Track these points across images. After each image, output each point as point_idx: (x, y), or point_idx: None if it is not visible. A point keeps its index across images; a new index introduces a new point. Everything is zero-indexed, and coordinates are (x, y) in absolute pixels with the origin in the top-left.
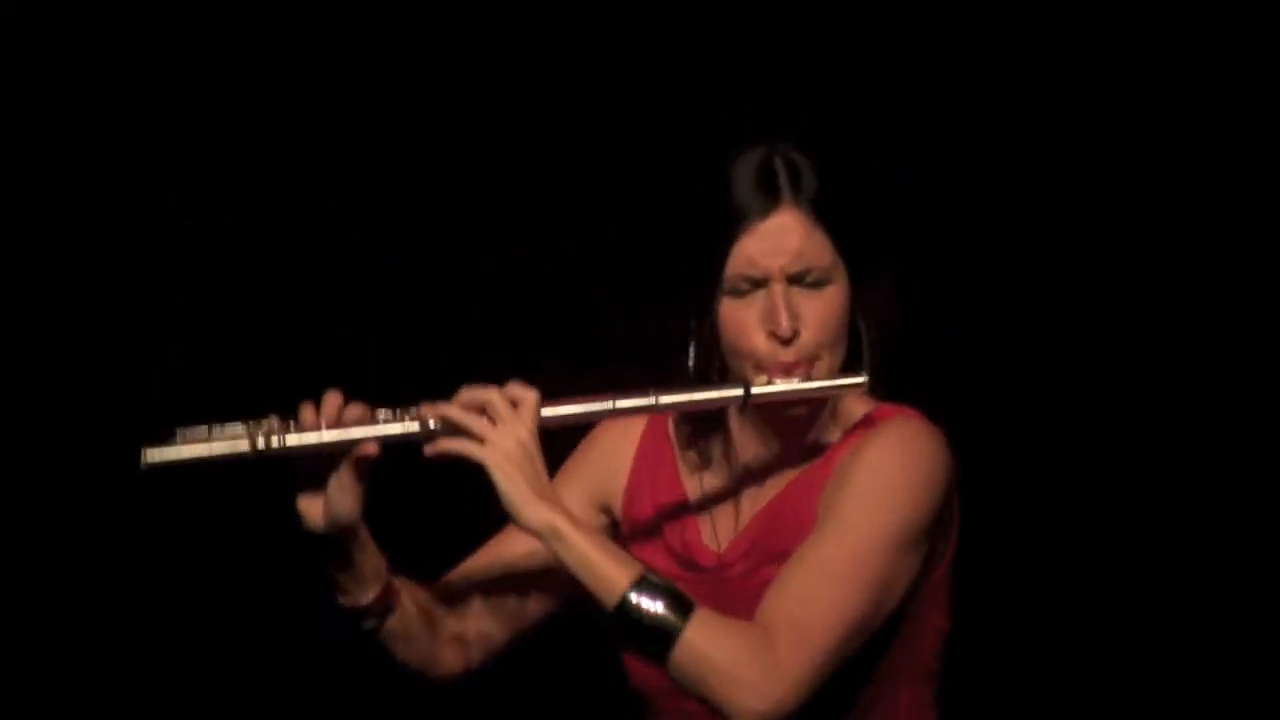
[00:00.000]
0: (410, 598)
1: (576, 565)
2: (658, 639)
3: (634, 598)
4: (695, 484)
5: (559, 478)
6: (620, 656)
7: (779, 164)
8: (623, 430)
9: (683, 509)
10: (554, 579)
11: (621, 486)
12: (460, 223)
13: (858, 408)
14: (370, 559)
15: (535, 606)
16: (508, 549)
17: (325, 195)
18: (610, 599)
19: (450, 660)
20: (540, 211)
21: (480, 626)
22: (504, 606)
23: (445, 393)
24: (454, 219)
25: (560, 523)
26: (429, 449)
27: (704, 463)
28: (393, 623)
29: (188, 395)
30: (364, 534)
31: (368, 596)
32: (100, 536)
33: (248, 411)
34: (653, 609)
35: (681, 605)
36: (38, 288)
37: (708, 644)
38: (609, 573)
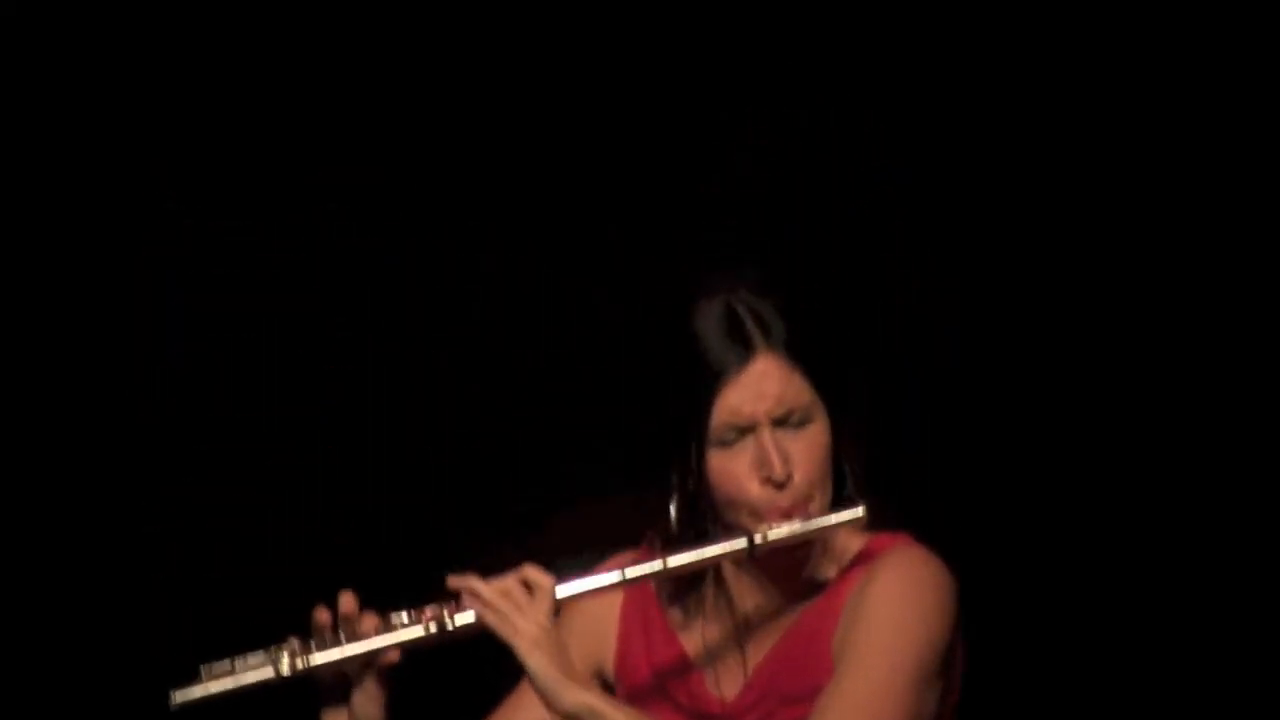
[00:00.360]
0: None
1: None
2: None
3: None
4: (690, 637)
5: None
6: None
7: (743, 312)
8: (603, 599)
9: (682, 663)
10: None
11: (611, 651)
12: (460, 241)
13: (852, 542)
14: None
15: None
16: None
17: (324, 195)
18: None
19: None
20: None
21: None
22: None
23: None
24: (456, 241)
25: (596, 702)
26: (458, 584)
27: (696, 614)
28: None
29: (188, 398)
30: None
31: None
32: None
33: (250, 418)
34: None
35: None
36: (37, 288)
37: None
38: None
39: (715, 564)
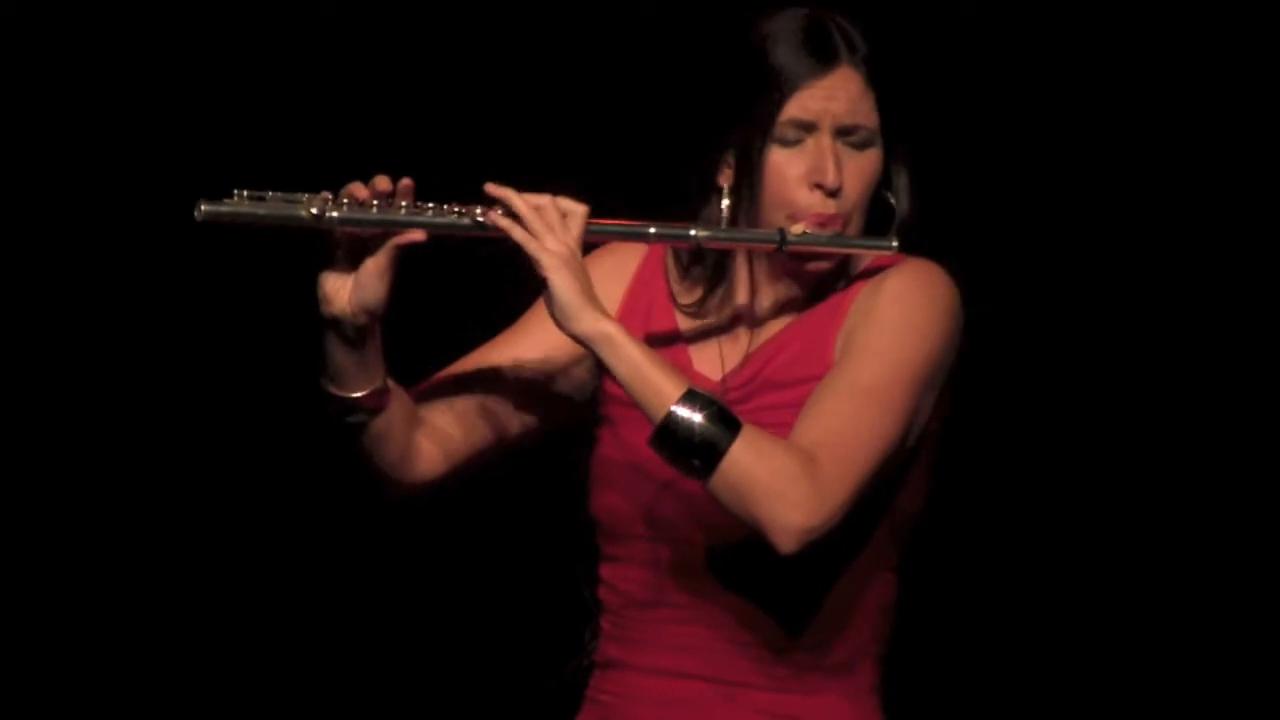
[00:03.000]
0: (399, 399)
1: (628, 373)
2: (705, 453)
3: (683, 411)
4: (689, 320)
5: (543, 314)
6: (589, 500)
7: (831, 25)
8: (616, 268)
9: (675, 339)
10: (539, 400)
11: (614, 314)
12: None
13: (866, 259)
14: (376, 353)
15: (520, 420)
16: (495, 360)
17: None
18: (658, 410)
19: (424, 465)
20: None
21: (458, 434)
22: (482, 418)
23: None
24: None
25: (614, 330)
26: (492, 196)
27: (701, 302)
28: (379, 422)
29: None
30: (378, 326)
31: (364, 390)
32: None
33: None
34: (701, 422)
35: (729, 420)
36: None
37: (754, 459)
38: (660, 383)
39: (743, 253)
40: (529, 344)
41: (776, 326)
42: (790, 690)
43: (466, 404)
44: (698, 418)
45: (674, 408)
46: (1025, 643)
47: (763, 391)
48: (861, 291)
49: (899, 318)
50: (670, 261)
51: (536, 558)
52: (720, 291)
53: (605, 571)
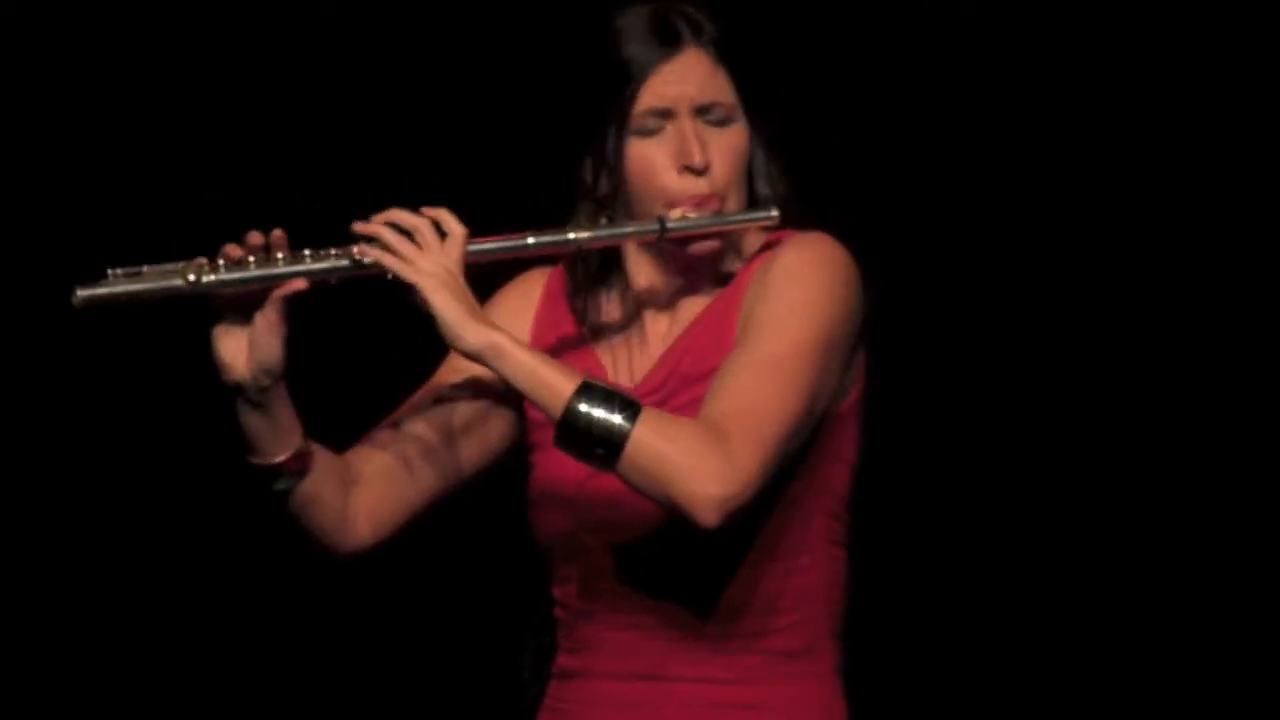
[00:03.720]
0: (323, 460)
1: (521, 378)
2: (608, 441)
3: (580, 404)
4: (594, 330)
5: (456, 357)
6: (530, 520)
7: (674, 13)
8: (519, 302)
9: (585, 352)
10: (469, 442)
11: None
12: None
13: (756, 239)
14: (287, 414)
15: (458, 462)
16: (422, 408)
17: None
18: (556, 407)
19: (361, 528)
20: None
21: (393, 490)
22: (417, 467)
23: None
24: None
25: (501, 339)
26: (363, 249)
27: (605, 313)
28: (306, 485)
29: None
30: (283, 387)
31: (284, 454)
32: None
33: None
34: (600, 412)
35: (628, 405)
36: None
37: (660, 439)
38: (554, 382)
39: (624, 245)
40: (455, 383)
41: (683, 322)
42: (749, 681)
43: (398, 461)
44: (595, 409)
45: (570, 401)
46: (995, 627)
47: (679, 390)
48: (756, 270)
49: (793, 290)
50: (567, 279)
51: (490, 577)
52: (617, 295)
53: (556, 590)
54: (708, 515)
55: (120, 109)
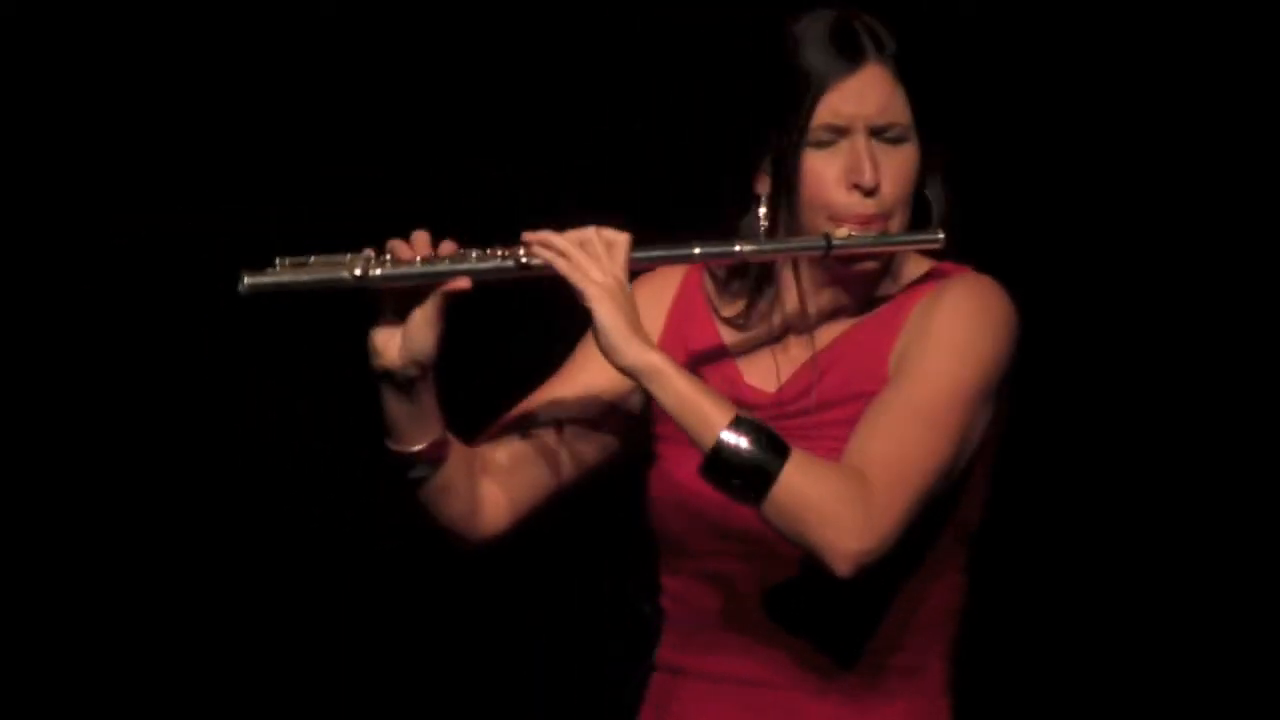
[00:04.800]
0: (457, 450)
1: (675, 404)
2: (755, 478)
3: (731, 438)
4: (735, 334)
5: (593, 347)
6: (647, 509)
7: (857, 24)
8: (655, 294)
9: (723, 355)
10: (598, 433)
11: (655, 339)
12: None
13: (918, 266)
14: (431, 405)
15: (581, 458)
16: (551, 399)
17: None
18: (707, 439)
19: (491, 515)
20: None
21: (521, 480)
22: (545, 458)
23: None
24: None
25: (659, 361)
26: (533, 250)
27: (746, 314)
28: (441, 475)
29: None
30: (430, 378)
31: (422, 443)
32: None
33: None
34: (751, 448)
35: (778, 446)
36: None
37: (806, 483)
38: (707, 412)
39: (787, 260)
40: (582, 381)
41: (829, 336)
42: (858, 698)
43: (527, 450)
44: (746, 444)
45: (722, 435)
46: (1023, 641)
47: (819, 408)
48: (916, 307)
49: (954, 337)
50: (707, 278)
51: (583, 566)
52: (765, 302)
53: (667, 581)
54: (842, 567)
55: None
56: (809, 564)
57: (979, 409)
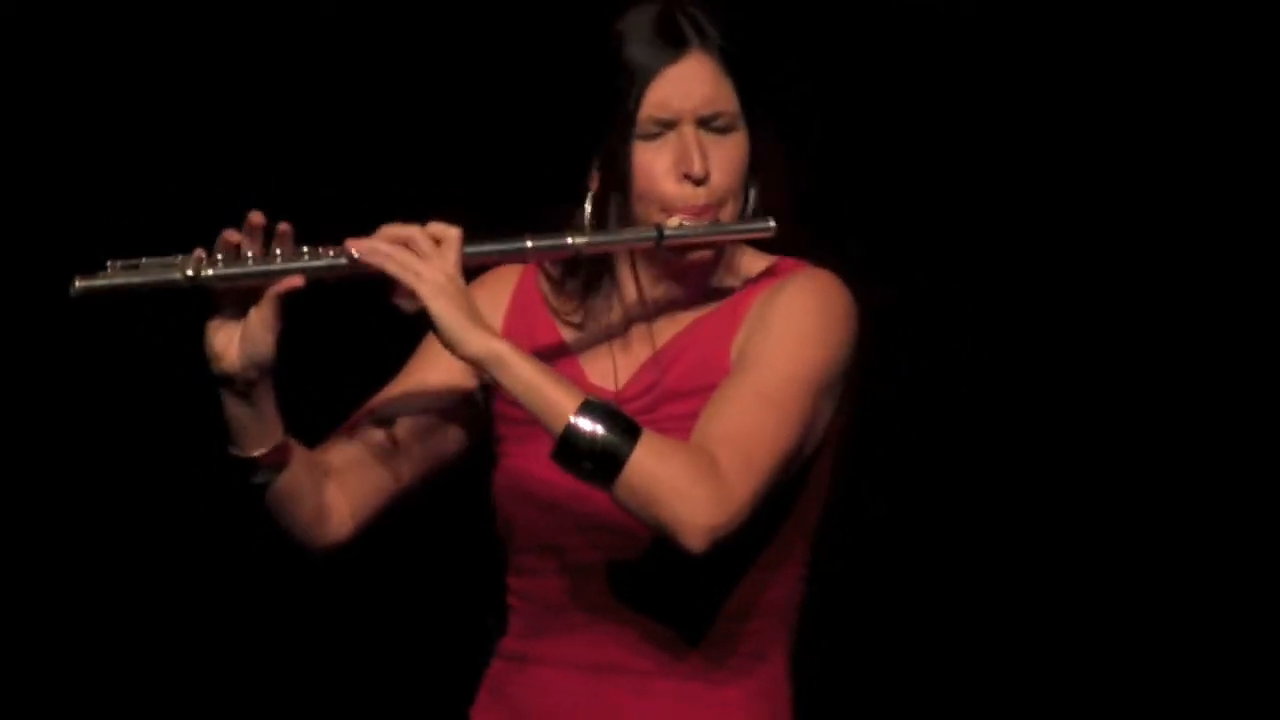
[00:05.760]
0: (300, 455)
1: (523, 390)
2: (606, 461)
3: (581, 422)
4: (573, 333)
5: (433, 347)
6: (494, 505)
7: (680, 15)
8: (491, 297)
9: (565, 354)
10: (440, 433)
11: None
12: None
13: (757, 262)
14: (270, 409)
15: (428, 455)
16: (393, 401)
17: None
18: (557, 424)
19: (337, 521)
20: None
21: (361, 484)
22: (390, 459)
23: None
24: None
25: (504, 349)
26: (361, 253)
27: (583, 312)
28: (284, 480)
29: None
30: (269, 382)
31: (263, 448)
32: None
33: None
34: (601, 431)
35: (628, 428)
36: None
37: (657, 462)
38: (556, 397)
39: (625, 256)
40: (422, 380)
41: (670, 332)
42: (700, 679)
43: (366, 453)
44: (598, 428)
45: (572, 419)
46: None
47: (663, 403)
48: (756, 300)
49: (795, 326)
50: (543, 280)
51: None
52: (603, 299)
53: (513, 582)
54: (695, 542)
55: (117, 102)
56: (658, 547)
57: (821, 397)
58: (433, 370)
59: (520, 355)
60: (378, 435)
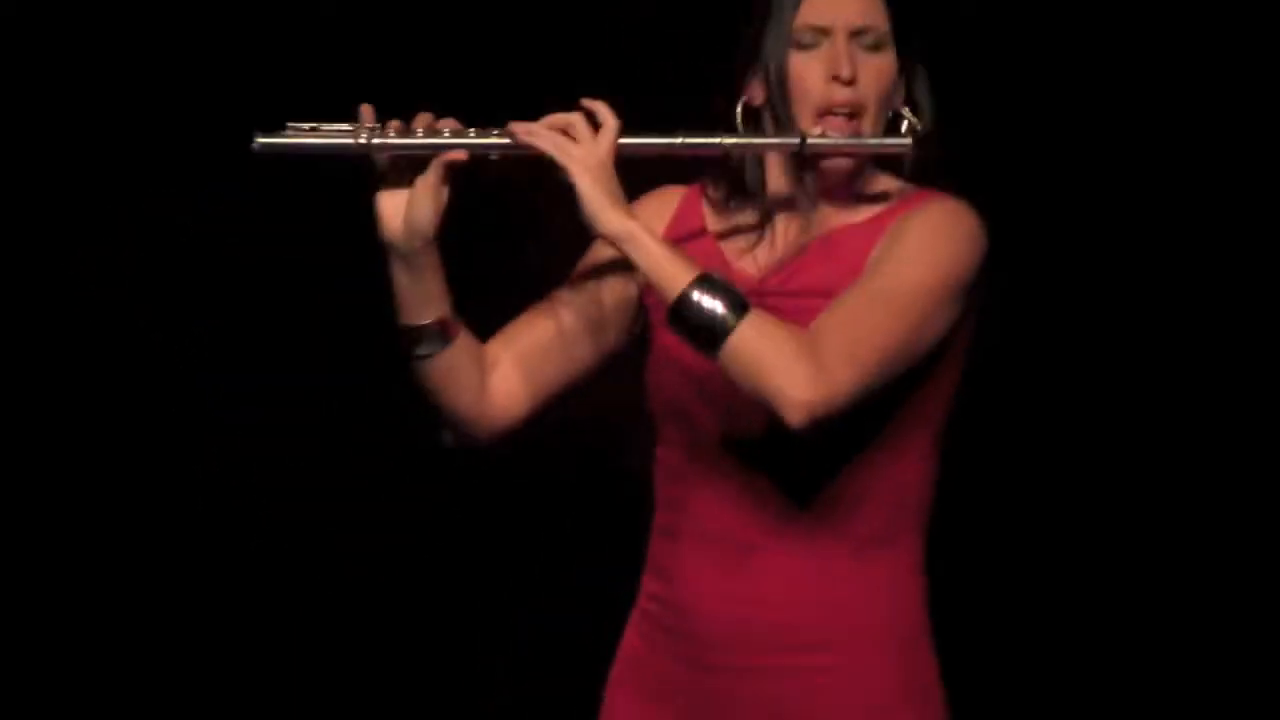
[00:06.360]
0: (466, 337)
1: (647, 264)
2: (712, 330)
3: (694, 293)
4: (726, 241)
5: (594, 251)
6: (645, 380)
7: None
8: (656, 210)
9: (714, 255)
10: (604, 326)
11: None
12: None
13: (903, 189)
14: (436, 281)
15: (579, 352)
16: (553, 302)
17: None
18: (673, 293)
19: (500, 408)
20: None
21: (528, 372)
22: (551, 352)
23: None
24: None
25: (635, 228)
26: (520, 133)
27: (737, 217)
28: (448, 356)
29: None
30: (435, 252)
31: (428, 318)
32: None
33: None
34: (711, 304)
35: (738, 304)
36: None
37: (760, 337)
38: (675, 270)
39: (766, 153)
40: (586, 279)
41: (812, 236)
42: (815, 558)
43: (535, 342)
44: (707, 299)
45: (685, 289)
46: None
47: (799, 298)
48: (896, 219)
49: (922, 239)
50: (705, 203)
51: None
52: (751, 204)
53: (660, 451)
54: (794, 415)
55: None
56: (780, 431)
57: (937, 304)
58: (595, 270)
59: (651, 235)
60: (539, 332)
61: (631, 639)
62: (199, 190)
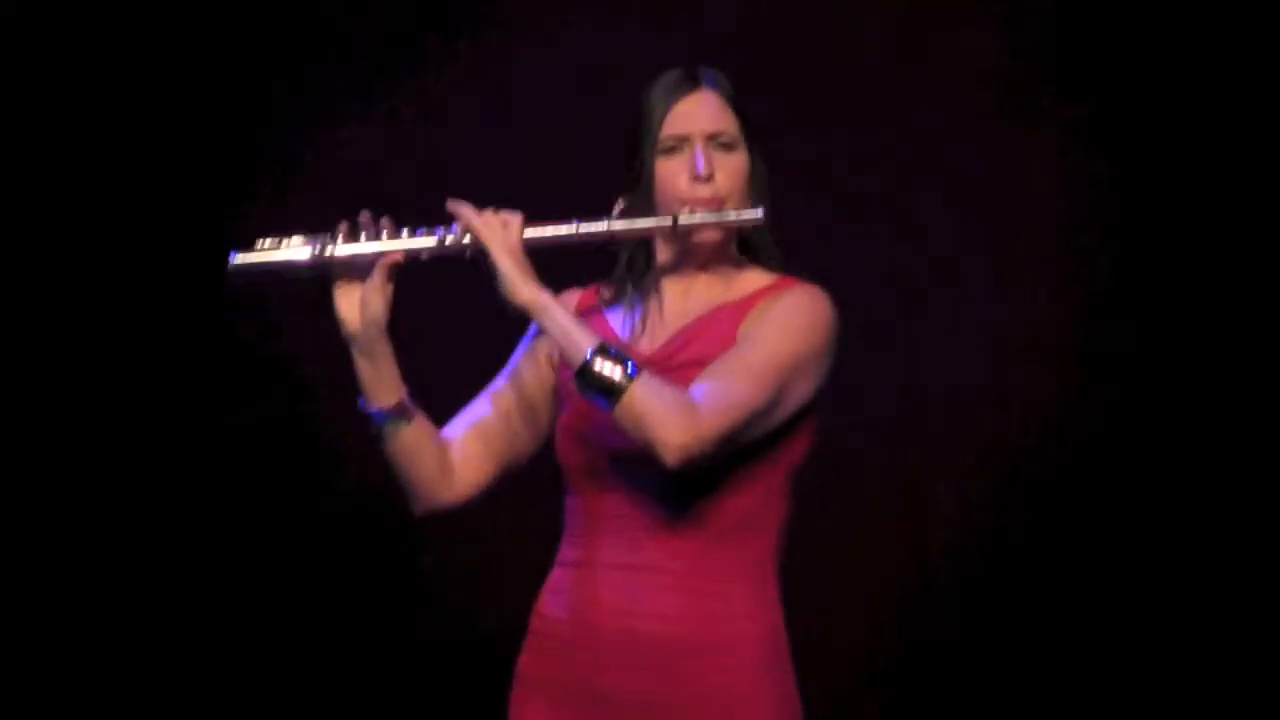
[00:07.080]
0: (423, 418)
1: (557, 332)
2: (610, 390)
3: (595, 359)
4: (619, 320)
5: (527, 351)
6: (555, 443)
7: (696, 67)
8: (564, 301)
9: (610, 331)
10: (539, 406)
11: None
12: None
13: (769, 276)
14: (391, 366)
15: (529, 428)
16: (500, 387)
17: None
18: (578, 359)
19: (459, 480)
20: None
21: (484, 447)
22: (503, 429)
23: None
24: None
25: (545, 299)
26: (452, 207)
27: (628, 303)
28: (408, 433)
29: None
30: (387, 342)
31: (389, 400)
32: None
33: None
34: (609, 368)
35: (631, 368)
36: None
37: (647, 394)
38: (579, 339)
39: (648, 234)
40: (522, 371)
41: (695, 315)
42: (707, 573)
43: (489, 420)
44: (607, 365)
45: (589, 355)
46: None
47: (683, 367)
48: (763, 300)
49: (782, 320)
50: (599, 299)
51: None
52: (639, 295)
53: (569, 500)
54: (670, 457)
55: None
56: (667, 477)
57: (794, 378)
58: (529, 365)
59: (559, 306)
60: (492, 412)
61: (524, 661)
62: (199, 190)
